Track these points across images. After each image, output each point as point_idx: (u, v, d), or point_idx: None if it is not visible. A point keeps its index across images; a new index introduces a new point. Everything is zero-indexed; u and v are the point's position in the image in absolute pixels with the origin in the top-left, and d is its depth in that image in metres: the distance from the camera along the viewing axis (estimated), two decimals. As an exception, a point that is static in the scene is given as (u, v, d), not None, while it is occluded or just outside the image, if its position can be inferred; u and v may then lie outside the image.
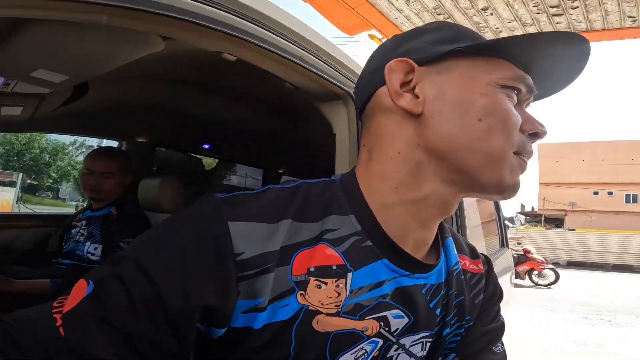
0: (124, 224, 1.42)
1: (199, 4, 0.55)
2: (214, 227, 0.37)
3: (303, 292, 0.39)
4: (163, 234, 0.39)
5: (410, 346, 0.46)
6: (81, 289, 0.35)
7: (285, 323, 0.38)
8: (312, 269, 0.39)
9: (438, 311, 0.48)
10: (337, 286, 0.40)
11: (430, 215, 0.44)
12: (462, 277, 0.52)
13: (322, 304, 0.39)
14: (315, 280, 0.39)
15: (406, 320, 0.44)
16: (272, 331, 0.38)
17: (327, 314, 0.39)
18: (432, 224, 0.46)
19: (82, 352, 0.32)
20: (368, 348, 0.42)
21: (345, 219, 0.42)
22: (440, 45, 0.42)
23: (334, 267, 0.40)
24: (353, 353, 0.41)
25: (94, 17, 0.50)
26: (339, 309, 0.40)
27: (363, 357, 0.42)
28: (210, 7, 0.56)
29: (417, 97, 0.42)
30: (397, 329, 0.44)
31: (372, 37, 1.90)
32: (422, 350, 0.47)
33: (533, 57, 0.41)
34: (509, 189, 0.42)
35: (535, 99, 0.47)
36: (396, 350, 0.45)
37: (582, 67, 0.44)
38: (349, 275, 0.40)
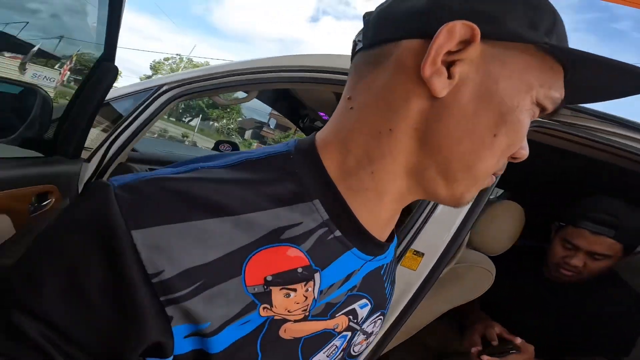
0: None
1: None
2: (111, 243, 0.26)
3: (267, 306, 0.31)
4: (44, 262, 0.28)
5: (365, 327, 0.44)
6: None
7: (246, 337, 0.31)
8: (269, 278, 0.31)
9: (388, 290, 0.46)
10: (306, 290, 0.33)
11: (395, 208, 0.39)
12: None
13: (288, 311, 0.33)
14: (281, 289, 0.32)
15: (370, 307, 0.42)
16: (232, 349, 0.30)
17: (295, 321, 0.33)
18: (396, 214, 0.40)
19: None
20: (338, 343, 0.39)
21: (308, 207, 0.33)
22: (527, 30, 0.31)
23: (299, 270, 0.32)
24: (325, 352, 0.38)
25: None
26: (307, 314, 0.34)
27: (334, 353, 0.39)
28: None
29: (450, 76, 0.32)
30: (362, 317, 0.41)
31: None
32: (373, 327, 0.46)
33: (589, 75, 0.35)
34: (462, 205, 0.37)
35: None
36: (358, 335, 0.43)
37: (621, 97, 0.37)
38: (317, 275, 0.34)
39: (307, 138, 0.38)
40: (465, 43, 0.31)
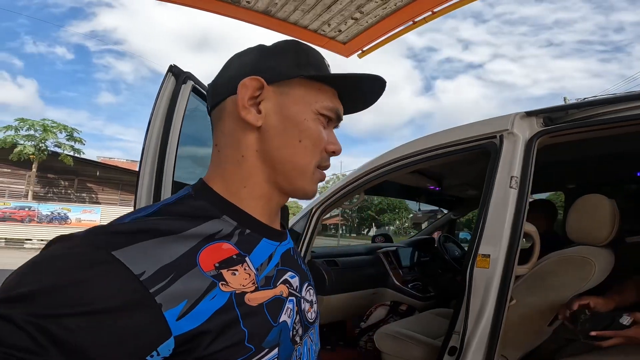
0: None
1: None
2: (100, 268, 0.36)
3: (224, 282, 0.44)
4: (46, 287, 0.35)
5: (304, 295, 0.58)
6: None
7: (223, 309, 0.42)
8: (217, 264, 0.44)
9: (304, 267, 0.63)
10: (245, 269, 0.47)
11: (273, 206, 0.54)
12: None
13: (243, 285, 0.45)
14: (227, 270, 0.45)
15: (297, 277, 0.56)
16: (218, 320, 0.41)
17: (251, 292, 0.46)
18: (277, 209, 0.56)
19: None
20: (290, 306, 0.52)
21: (221, 221, 0.48)
22: (291, 69, 0.50)
23: (234, 257, 0.46)
24: (285, 312, 0.50)
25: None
26: (256, 285, 0.47)
27: (291, 314, 0.52)
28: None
29: (260, 112, 0.50)
30: (296, 286, 0.56)
31: None
32: (310, 295, 0.60)
33: (351, 88, 0.54)
34: (310, 194, 0.54)
35: (346, 113, 0.59)
36: (303, 302, 0.57)
37: (379, 96, 0.57)
38: (247, 259, 0.48)
39: (197, 182, 0.53)
40: (261, 89, 0.50)
